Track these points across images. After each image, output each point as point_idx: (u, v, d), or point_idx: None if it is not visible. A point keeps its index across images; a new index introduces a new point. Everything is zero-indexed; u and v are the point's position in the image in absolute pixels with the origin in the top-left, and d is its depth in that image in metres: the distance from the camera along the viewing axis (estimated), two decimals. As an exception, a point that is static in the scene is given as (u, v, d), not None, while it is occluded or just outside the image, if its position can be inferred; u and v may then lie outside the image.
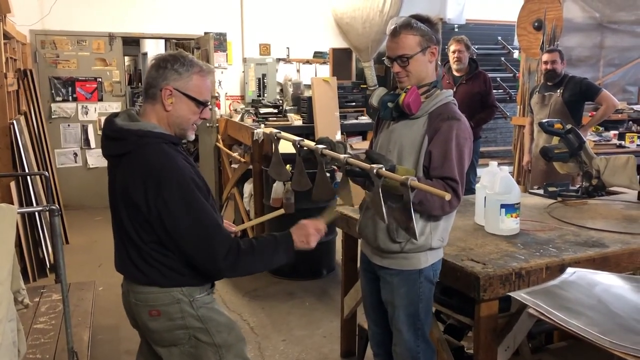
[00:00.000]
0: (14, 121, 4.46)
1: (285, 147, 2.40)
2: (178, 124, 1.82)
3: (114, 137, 1.79)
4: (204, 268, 1.79)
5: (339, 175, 4.97)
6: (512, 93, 7.99)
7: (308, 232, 1.90)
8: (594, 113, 4.89)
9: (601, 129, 6.31)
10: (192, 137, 1.88)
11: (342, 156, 1.95)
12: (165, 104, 1.78)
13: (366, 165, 1.79)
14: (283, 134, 2.37)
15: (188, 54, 1.85)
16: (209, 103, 1.86)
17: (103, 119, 7.77)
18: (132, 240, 1.79)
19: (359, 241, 2.42)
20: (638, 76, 6.88)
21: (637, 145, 5.91)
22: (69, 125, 6.79)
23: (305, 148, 2.18)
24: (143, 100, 1.84)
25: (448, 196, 1.61)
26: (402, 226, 1.79)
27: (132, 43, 9.66)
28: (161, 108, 1.79)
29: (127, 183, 1.74)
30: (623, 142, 6.05)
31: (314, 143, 2.14)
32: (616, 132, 6.30)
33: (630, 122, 6.63)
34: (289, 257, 1.88)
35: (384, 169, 1.74)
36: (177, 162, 1.74)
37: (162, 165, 1.72)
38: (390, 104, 2.06)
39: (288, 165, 2.46)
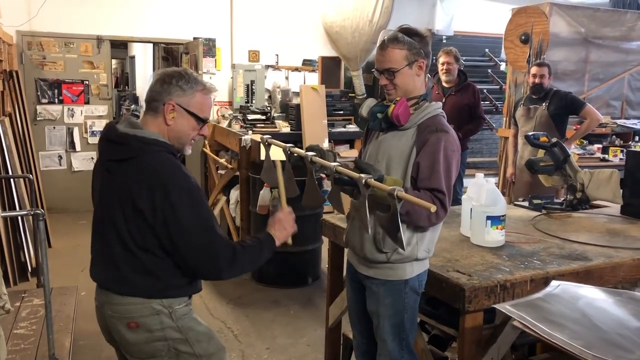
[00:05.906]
0: (-1, 122, 4.42)
1: (275, 153, 2.40)
2: (177, 138, 1.85)
3: (118, 141, 1.80)
4: (205, 270, 1.82)
5: (326, 184, 4.97)
6: (499, 105, 8.07)
7: (281, 221, 2.01)
8: (578, 127, 4.96)
9: (585, 142, 6.41)
10: (189, 151, 1.93)
11: (331, 164, 1.95)
12: (167, 118, 1.82)
13: (355, 175, 1.79)
14: (273, 140, 2.37)
15: (192, 71, 1.90)
16: (209, 120, 1.90)
17: (89, 122, 7.65)
18: (126, 246, 1.77)
19: (346, 250, 2.42)
20: (622, 91, 7.00)
21: (620, 159, 6.00)
22: (54, 127, 6.73)
23: (295, 155, 2.18)
24: (145, 111, 1.89)
25: (433, 208, 1.62)
26: (389, 236, 1.79)
27: (119, 46, 9.62)
28: (162, 121, 1.83)
29: (129, 189, 1.74)
30: (606, 156, 6.16)
31: (304, 150, 2.14)
32: (600, 145, 6.42)
33: (614, 136, 6.75)
34: (273, 252, 1.98)
35: (372, 178, 1.75)
36: (183, 170, 1.79)
37: (170, 172, 1.76)
38: (379, 115, 2.08)
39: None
